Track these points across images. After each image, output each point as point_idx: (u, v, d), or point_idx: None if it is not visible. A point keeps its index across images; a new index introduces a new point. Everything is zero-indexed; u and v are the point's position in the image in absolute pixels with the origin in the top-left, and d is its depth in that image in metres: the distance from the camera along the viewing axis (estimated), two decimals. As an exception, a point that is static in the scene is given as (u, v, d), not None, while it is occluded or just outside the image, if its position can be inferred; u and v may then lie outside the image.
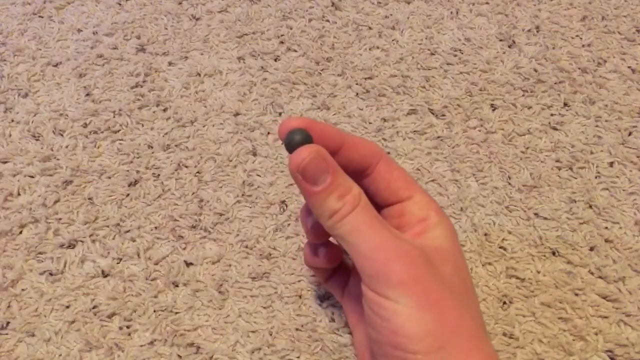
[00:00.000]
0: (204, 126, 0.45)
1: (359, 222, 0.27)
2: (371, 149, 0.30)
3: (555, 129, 0.45)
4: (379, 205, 0.31)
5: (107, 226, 0.40)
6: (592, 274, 0.38)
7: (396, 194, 0.30)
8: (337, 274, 0.34)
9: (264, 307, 0.37)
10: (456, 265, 0.28)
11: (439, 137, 0.44)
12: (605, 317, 0.36)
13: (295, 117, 0.28)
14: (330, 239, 0.32)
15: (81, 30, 0.51)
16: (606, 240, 0.39)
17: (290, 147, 0.27)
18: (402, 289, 0.25)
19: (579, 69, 0.48)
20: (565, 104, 0.46)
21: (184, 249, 0.39)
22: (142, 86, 0.47)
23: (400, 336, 0.25)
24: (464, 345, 0.25)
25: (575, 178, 0.42)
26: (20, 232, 0.40)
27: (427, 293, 0.25)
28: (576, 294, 0.37)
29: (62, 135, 0.44)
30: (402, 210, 0.30)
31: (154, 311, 0.37)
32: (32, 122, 0.45)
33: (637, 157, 0.43)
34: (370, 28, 0.51)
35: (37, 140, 0.44)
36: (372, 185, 0.30)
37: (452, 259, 0.28)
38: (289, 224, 0.40)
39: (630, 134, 0.45)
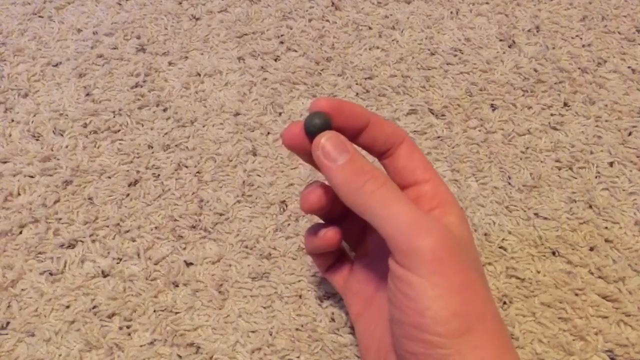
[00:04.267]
0: (204, 126, 0.45)
1: (392, 196, 0.26)
2: (395, 130, 0.30)
3: (555, 129, 0.45)
4: None
5: (107, 226, 0.40)
6: (592, 274, 0.38)
7: (414, 175, 0.30)
8: (337, 264, 0.34)
9: (264, 307, 0.37)
10: (474, 252, 0.28)
11: (439, 137, 0.44)
12: (605, 317, 0.36)
13: (324, 97, 0.29)
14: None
15: (81, 30, 0.51)
16: (606, 240, 0.39)
17: (309, 128, 0.28)
18: (435, 266, 0.24)
19: (579, 69, 0.48)
20: (565, 104, 0.46)
21: (184, 249, 0.39)
22: (142, 86, 0.47)
23: (425, 317, 0.24)
24: (488, 332, 0.24)
25: (575, 178, 0.42)
26: (20, 232, 0.40)
27: (458, 274, 0.25)
28: (576, 294, 0.37)
29: (62, 135, 0.44)
30: (418, 193, 0.30)
31: (154, 311, 0.37)
32: (32, 122, 0.45)
33: (637, 157, 0.43)
34: (370, 28, 0.51)
35: (37, 140, 0.44)
36: (391, 165, 0.30)
37: (471, 246, 0.28)
38: (289, 224, 0.40)
39: (630, 134, 0.45)
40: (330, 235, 0.31)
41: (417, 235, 0.25)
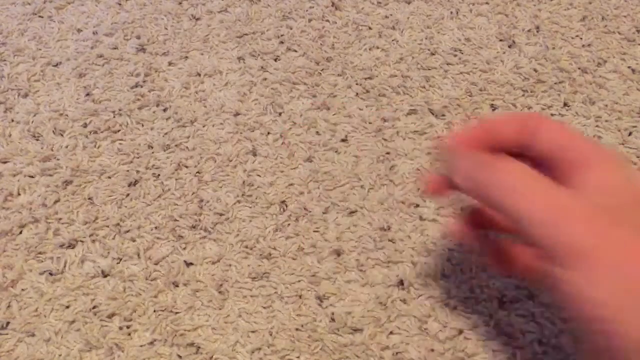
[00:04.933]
0: (204, 126, 0.45)
1: (527, 187, 0.22)
2: (522, 122, 0.25)
3: (555, 129, 0.45)
4: None
5: (107, 226, 0.40)
6: (592, 274, 0.38)
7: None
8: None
9: (264, 307, 0.37)
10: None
11: (439, 137, 0.44)
12: (605, 317, 0.36)
13: (456, 136, 0.27)
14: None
15: (81, 30, 0.51)
16: (606, 240, 0.39)
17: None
18: (604, 269, 0.19)
19: (579, 69, 0.48)
20: (565, 104, 0.46)
21: (184, 249, 0.39)
22: (142, 86, 0.47)
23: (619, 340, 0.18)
24: None
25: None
26: (20, 232, 0.40)
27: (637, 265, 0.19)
28: (576, 294, 0.37)
29: (62, 135, 0.44)
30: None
31: (154, 311, 0.37)
32: (32, 122, 0.45)
33: (637, 157, 0.43)
34: (370, 28, 0.51)
35: (37, 140, 0.44)
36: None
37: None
38: (289, 224, 0.40)
39: (630, 134, 0.45)
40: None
41: (562, 226, 0.20)
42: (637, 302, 0.18)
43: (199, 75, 0.48)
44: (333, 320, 0.36)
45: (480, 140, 0.26)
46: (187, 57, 0.49)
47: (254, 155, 0.43)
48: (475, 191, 0.24)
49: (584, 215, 0.20)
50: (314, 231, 0.40)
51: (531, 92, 0.47)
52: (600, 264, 0.19)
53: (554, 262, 0.20)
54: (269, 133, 0.45)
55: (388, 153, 0.44)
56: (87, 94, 0.47)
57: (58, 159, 0.43)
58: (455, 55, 0.49)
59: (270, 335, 0.36)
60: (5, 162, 0.43)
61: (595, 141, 0.25)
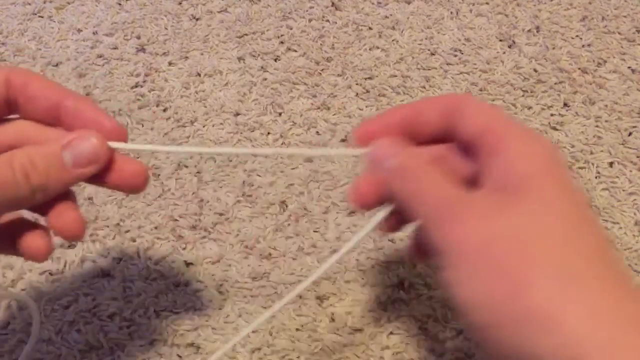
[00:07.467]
0: (204, 126, 0.45)
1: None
2: (446, 104, 0.24)
3: (555, 129, 0.45)
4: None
5: (107, 226, 0.40)
6: (592, 274, 0.38)
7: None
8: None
9: (264, 307, 0.37)
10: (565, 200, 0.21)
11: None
12: (605, 317, 0.36)
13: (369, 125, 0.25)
14: None
15: (81, 30, 0.51)
16: (606, 240, 0.39)
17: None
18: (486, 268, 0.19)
19: (579, 69, 0.48)
20: (565, 104, 0.46)
21: (184, 249, 0.39)
22: (142, 86, 0.47)
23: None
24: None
25: (575, 178, 0.42)
26: (20, 232, 0.40)
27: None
28: (576, 294, 0.37)
29: (62, 135, 0.44)
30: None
31: (154, 311, 0.37)
32: (32, 122, 0.45)
33: (637, 157, 0.43)
34: (370, 28, 0.51)
35: (37, 140, 0.44)
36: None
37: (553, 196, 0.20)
38: (289, 224, 0.40)
39: (630, 134, 0.45)
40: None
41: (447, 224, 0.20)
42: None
43: (199, 75, 0.48)
44: (333, 320, 0.36)
45: (398, 128, 0.24)
46: (187, 57, 0.49)
47: (254, 155, 0.43)
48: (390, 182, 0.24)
49: (469, 212, 0.20)
50: (314, 231, 0.40)
51: (531, 92, 0.47)
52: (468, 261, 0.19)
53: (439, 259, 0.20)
54: (269, 133, 0.45)
55: (388, 153, 0.43)
56: (87, 94, 0.47)
57: (58, 159, 0.43)
58: (455, 55, 0.49)
59: (270, 335, 0.36)
60: (5, 162, 0.43)
61: (516, 122, 0.23)
